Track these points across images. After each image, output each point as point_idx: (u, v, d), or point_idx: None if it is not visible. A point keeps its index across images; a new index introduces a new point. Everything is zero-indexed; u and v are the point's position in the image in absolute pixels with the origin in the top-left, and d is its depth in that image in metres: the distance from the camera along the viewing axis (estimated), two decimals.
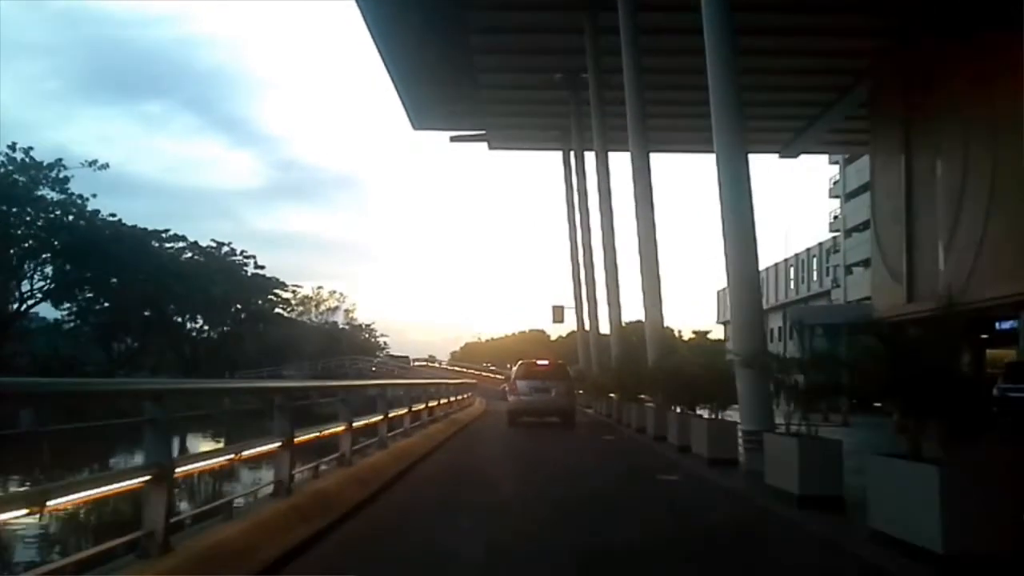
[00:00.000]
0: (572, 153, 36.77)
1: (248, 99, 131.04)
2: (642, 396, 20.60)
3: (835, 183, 63.17)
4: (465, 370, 68.30)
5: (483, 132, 37.79)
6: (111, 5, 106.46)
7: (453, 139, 39.08)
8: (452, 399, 24.26)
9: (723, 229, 12.25)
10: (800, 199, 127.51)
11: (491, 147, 39.86)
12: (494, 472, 12.21)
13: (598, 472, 12.31)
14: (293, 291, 67.09)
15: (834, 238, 68.98)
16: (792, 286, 77.36)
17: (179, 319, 56.16)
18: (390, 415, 12.49)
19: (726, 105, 12.31)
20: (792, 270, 77.28)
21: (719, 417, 12.17)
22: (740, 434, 11.04)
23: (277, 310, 65.47)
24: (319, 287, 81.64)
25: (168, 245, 57.14)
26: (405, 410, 14.48)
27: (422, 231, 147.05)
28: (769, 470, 8.78)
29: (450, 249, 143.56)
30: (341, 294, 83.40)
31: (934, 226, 25.05)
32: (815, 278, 73.04)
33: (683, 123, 31.26)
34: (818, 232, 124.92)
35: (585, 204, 35.29)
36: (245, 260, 63.52)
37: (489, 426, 23.32)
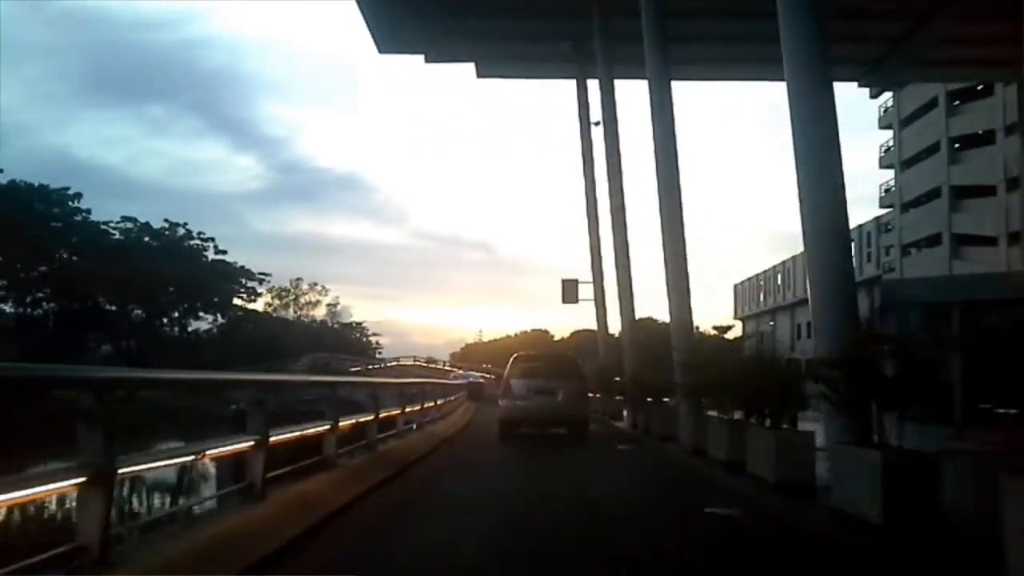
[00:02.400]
0: (598, 82, 25.59)
1: (250, 101, 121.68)
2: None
3: (887, 150, 52.11)
4: (448, 369, 57.39)
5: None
6: (114, 8, 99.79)
7: (429, 60, 28.13)
8: (407, 410, 13.43)
9: None
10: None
11: (480, 74, 28.87)
12: None
13: None
14: (260, 280, 55.92)
15: (877, 219, 58.03)
16: None
17: (112, 307, 45.03)
18: None
19: None
20: None
21: None
22: None
23: (237, 300, 54.30)
24: (298, 279, 70.64)
25: (105, 221, 46.33)
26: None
27: (421, 227, 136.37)
28: None
29: (450, 244, 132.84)
30: (323, 287, 72.35)
31: None
32: (854, 264, 62.02)
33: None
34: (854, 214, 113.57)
35: (615, 148, 24.20)
36: (204, 244, 52.80)
37: (458, 460, 12.33)
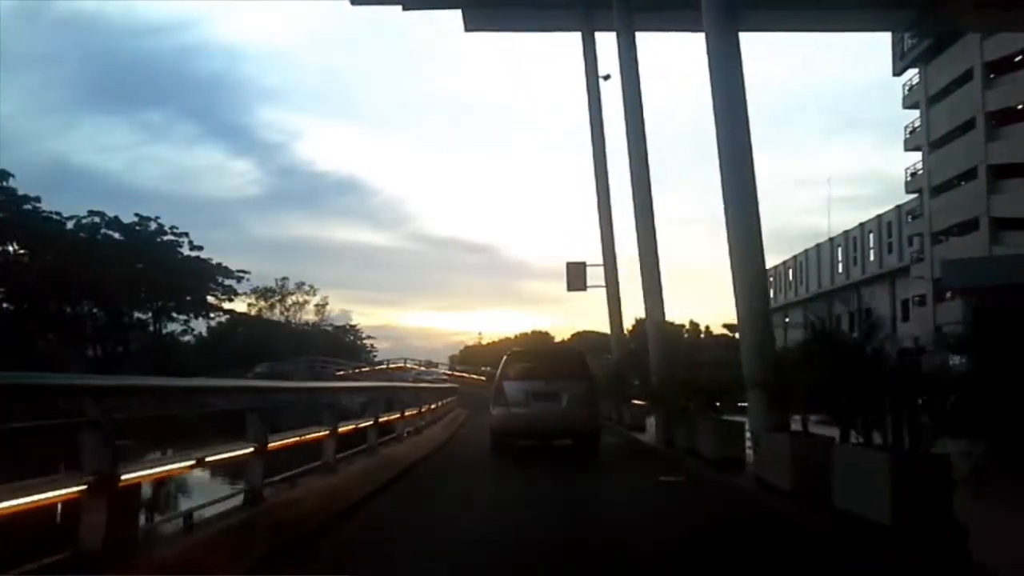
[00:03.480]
0: (615, 34, 20.49)
1: (248, 105, 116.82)
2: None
3: (912, 132, 47.40)
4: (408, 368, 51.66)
5: None
6: (111, 14, 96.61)
7: (408, 7, 23.41)
8: (341, 430, 8.69)
9: None
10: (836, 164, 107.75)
11: (468, 27, 24.06)
12: None
13: None
14: (238, 278, 50.99)
15: (898, 207, 53.33)
16: (840, 269, 61.55)
17: (68, 309, 40.23)
18: None
19: None
20: (840, 250, 61.48)
21: None
22: None
23: (211, 300, 49.39)
24: (284, 278, 65.84)
25: (70, 216, 41.66)
26: None
27: (421, 230, 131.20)
28: None
29: (450, 247, 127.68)
30: (311, 286, 67.58)
31: None
32: (872, 258, 57.26)
33: None
34: (861, 208, 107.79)
35: (637, 112, 19.18)
36: (177, 239, 48.08)
37: (411, 519, 7.48)
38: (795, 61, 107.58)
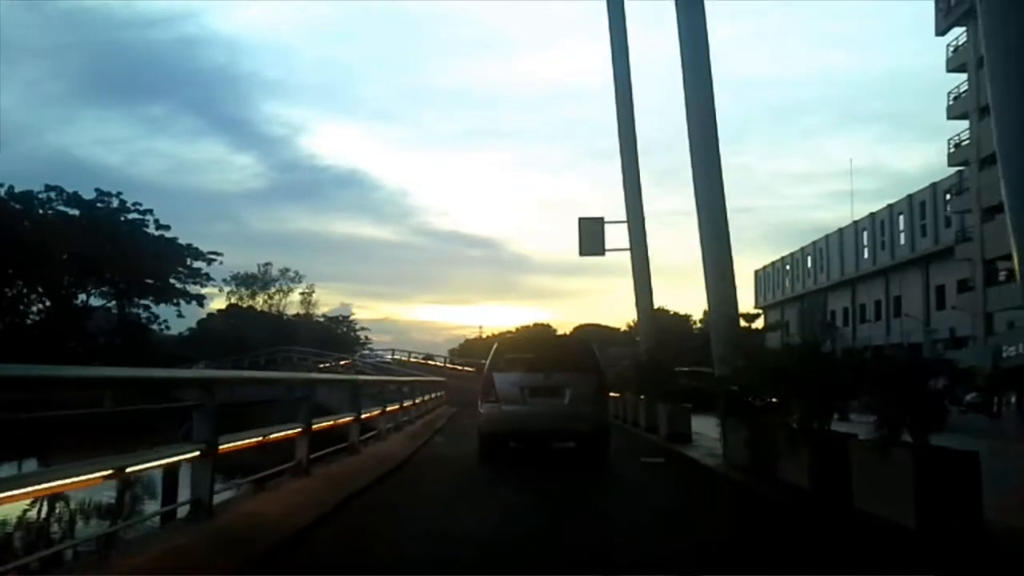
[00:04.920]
0: None
1: (249, 99, 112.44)
2: None
3: (956, 98, 41.74)
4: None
5: None
6: (112, 6, 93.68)
7: None
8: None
9: None
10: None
11: None
12: None
13: None
14: (209, 260, 45.28)
15: (933, 185, 47.80)
16: (866, 255, 55.86)
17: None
18: None
19: None
20: (866, 235, 55.81)
21: None
22: None
23: (174, 281, 43.70)
24: (267, 263, 60.32)
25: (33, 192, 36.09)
26: None
27: (423, 224, 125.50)
28: None
29: (452, 240, 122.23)
30: (296, 272, 62.09)
31: None
32: (903, 241, 51.61)
33: None
34: (864, 202, 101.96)
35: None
36: (142, 218, 42.56)
37: None
38: (793, 56, 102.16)
